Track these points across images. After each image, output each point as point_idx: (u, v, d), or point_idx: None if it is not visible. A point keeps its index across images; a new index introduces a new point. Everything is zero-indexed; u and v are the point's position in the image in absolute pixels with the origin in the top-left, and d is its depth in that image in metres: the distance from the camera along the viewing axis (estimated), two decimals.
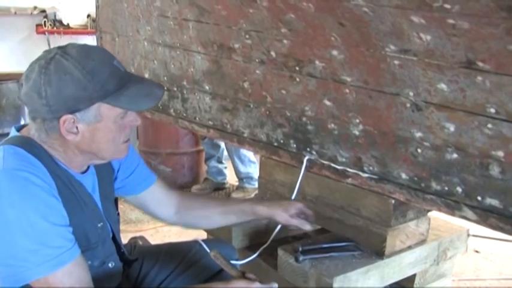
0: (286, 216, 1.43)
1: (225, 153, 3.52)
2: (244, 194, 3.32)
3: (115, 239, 1.32)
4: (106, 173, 1.30)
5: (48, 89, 1.04)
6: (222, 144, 3.47)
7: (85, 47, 1.12)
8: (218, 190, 3.60)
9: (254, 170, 3.34)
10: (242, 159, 3.32)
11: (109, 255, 1.23)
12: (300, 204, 1.47)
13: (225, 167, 3.58)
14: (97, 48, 1.16)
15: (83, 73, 1.05)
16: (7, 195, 1.00)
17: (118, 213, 1.37)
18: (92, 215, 1.18)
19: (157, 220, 1.52)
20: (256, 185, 3.15)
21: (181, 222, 1.50)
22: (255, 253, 1.59)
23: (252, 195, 3.26)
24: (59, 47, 1.09)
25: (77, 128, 1.09)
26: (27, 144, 1.10)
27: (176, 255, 1.46)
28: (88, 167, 1.23)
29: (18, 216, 0.99)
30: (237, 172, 3.38)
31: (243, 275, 1.21)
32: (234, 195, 3.36)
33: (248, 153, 3.31)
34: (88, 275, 1.09)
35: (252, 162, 3.36)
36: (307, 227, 1.46)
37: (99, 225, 1.20)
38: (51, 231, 1.02)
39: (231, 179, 3.62)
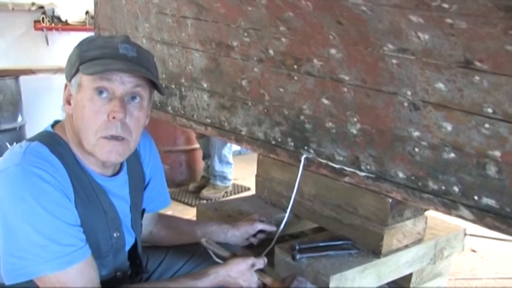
0: (251, 226, 1.59)
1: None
2: (215, 191, 3.42)
3: (136, 250, 1.30)
4: (139, 181, 1.29)
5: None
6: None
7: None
8: None
9: (229, 171, 3.46)
10: (222, 159, 3.41)
11: (119, 266, 1.22)
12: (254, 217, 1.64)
13: None
14: (124, 36, 1.16)
15: (79, 43, 1.12)
16: (19, 190, 1.00)
17: (141, 225, 1.35)
18: (109, 224, 1.17)
19: None
20: (228, 184, 3.44)
21: (152, 242, 1.53)
22: (252, 251, 1.59)
23: (222, 193, 3.42)
24: None
25: (71, 95, 1.13)
26: (53, 143, 1.10)
27: (181, 256, 1.47)
28: (119, 170, 1.22)
29: (29, 212, 0.99)
30: (212, 169, 3.45)
31: (234, 255, 1.25)
32: (205, 191, 3.42)
33: (229, 155, 3.41)
34: (98, 276, 1.09)
35: (229, 164, 3.45)
36: (272, 227, 1.63)
37: (115, 235, 1.19)
38: (61, 229, 1.02)
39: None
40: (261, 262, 1.26)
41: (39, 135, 1.14)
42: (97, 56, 1.08)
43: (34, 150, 1.06)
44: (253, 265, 1.25)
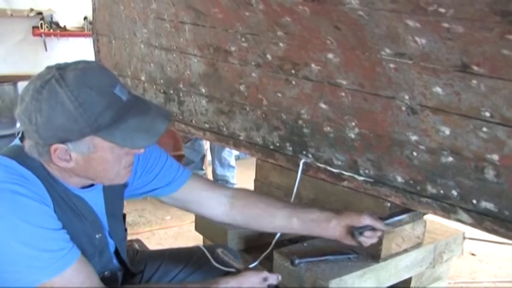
0: (357, 218, 1.29)
1: (209, 157, 3.54)
2: None
3: (119, 255, 1.29)
4: (115, 187, 1.24)
5: (38, 117, 1.00)
6: (203, 151, 3.52)
7: (86, 71, 1.02)
8: None
9: (231, 174, 3.42)
10: (222, 162, 3.38)
11: (105, 265, 1.22)
12: (367, 219, 1.29)
13: (204, 174, 3.57)
14: (98, 73, 1.05)
15: (75, 105, 0.99)
16: None
17: (126, 229, 1.33)
18: (91, 227, 1.17)
19: (205, 218, 1.41)
20: None
21: (237, 221, 1.40)
22: (250, 255, 1.59)
23: None
24: (59, 67, 1.02)
25: (70, 155, 1.04)
26: (22, 156, 1.07)
27: (179, 260, 1.46)
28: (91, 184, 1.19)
29: (11, 228, 0.98)
30: (214, 173, 3.44)
31: (248, 268, 1.25)
32: None
33: (229, 158, 3.37)
34: (94, 270, 1.09)
35: (231, 167, 3.42)
36: (381, 226, 1.31)
37: (97, 236, 1.18)
38: (48, 237, 1.01)
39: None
40: (274, 277, 1.19)
41: (6, 149, 1.11)
42: (113, 120, 1.02)
43: (2, 166, 1.04)
44: (265, 279, 1.20)
